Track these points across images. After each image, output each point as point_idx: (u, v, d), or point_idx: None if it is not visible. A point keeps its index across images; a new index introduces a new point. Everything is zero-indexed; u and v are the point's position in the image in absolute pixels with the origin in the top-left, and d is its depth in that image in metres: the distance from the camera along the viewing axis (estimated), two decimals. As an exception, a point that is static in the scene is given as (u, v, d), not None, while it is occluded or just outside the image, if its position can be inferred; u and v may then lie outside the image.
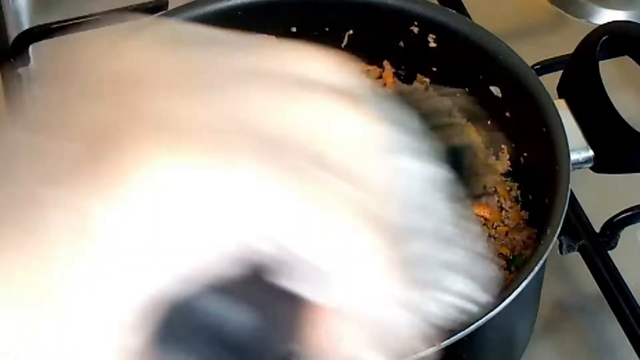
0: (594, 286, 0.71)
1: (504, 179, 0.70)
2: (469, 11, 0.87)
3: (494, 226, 0.68)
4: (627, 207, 0.72)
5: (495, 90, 0.70)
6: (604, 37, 0.69)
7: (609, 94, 0.67)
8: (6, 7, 0.94)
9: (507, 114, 0.69)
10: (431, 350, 0.49)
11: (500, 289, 0.60)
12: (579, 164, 0.66)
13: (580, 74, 0.69)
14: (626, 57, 0.71)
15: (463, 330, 0.53)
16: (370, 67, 0.75)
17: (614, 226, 0.72)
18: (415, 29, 0.72)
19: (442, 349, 0.51)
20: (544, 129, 0.64)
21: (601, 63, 0.68)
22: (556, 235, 0.59)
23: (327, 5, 0.73)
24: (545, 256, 0.58)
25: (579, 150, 0.66)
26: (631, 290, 0.69)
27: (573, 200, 0.73)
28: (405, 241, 0.31)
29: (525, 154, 0.69)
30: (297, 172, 0.29)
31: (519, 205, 0.69)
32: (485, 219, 0.69)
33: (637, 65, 0.70)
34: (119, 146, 0.28)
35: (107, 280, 0.27)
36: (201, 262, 0.28)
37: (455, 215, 0.33)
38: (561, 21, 0.92)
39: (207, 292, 0.29)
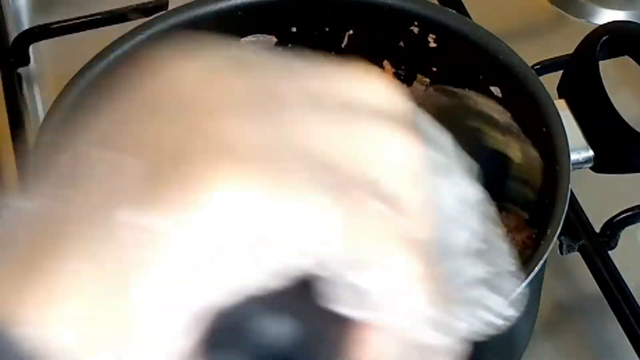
0: (594, 286, 0.71)
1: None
2: (469, 11, 0.87)
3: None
4: (627, 207, 0.72)
5: (495, 90, 0.70)
6: (604, 37, 0.69)
7: (609, 94, 0.67)
8: (6, 7, 0.94)
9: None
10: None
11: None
12: (579, 164, 0.66)
13: (580, 74, 0.69)
14: (626, 57, 0.71)
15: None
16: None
17: (614, 226, 0.72)
18: (415, 29, 0.72)
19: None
20: (544, 129, 0.64)
21: (601, 63, 0.68)
22: (556, 235, 0.58)
23: (327, 5, 0.73)
24: (545, 256, 0.58)
25: (579, 150, 0.66)
26: (631, 290, 0.69)
27: (573, 200, 0.73)
28: (439, 259, 0.33)
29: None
30: (344, 195, 0.31)
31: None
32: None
33: (637, 65, 0.70)
34: (186, 168, 0.30)
35: (167, 291, 0.29)
36: (252, 277, 0.30)
37: (486, 232, 0.34)
38: (561, 21, 0.92)
39: (253, 302, 0.31)
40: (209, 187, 0.29)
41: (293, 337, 0.33)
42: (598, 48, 0.68)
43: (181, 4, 0.72)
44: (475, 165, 0.35)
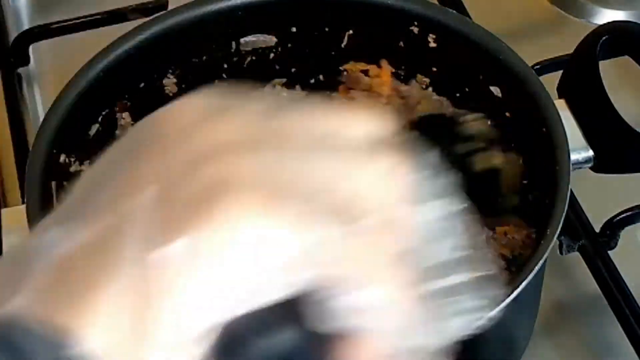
0: (594, 286, 0.71)
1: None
2: (469, 11, 0.87)
3: (493, 227, 0.68)
4: (627, 207, 0.72)
5: (495, 90, 0.70)
6: (604, 37, 0.69)
7: (609, 94, 0.67)
8: (6, 7, 0.94)
9: (507, 114, 0.69)
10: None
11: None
12: (579, 164, 0.66)
13: (580, 74, 0.69)
14: (626, 57, 0.71)
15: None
16: (369, 67, 0.75)
17: (614, 226, 0.72)
18: (415, 29, 0.72)
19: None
20: (544, 129, 0.64)
21: (601, 63, 0.68)
22: (556, 235, 0.58)
23: (327, 5, 0.73)
24: (545, 256, 0.58)
25: (579, 150, 0.66)
26: (631, 290, 0.69)
27: (573, 200, 0.73)
28: (424, 269, 0.36)
29: (525, 154, 0.69)
30: (340, 223, 0.35)
31: (511, 213, 0.69)
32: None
33: (637, 65, 0.70)
34: (207, 199, 0.34)
35: (187, 310, 0.33)
36: (262, 296, 0.34)
37: (469, 241, 0.38)
38: (561, 21, 0.92)
39: (259, 314, 0.35)
40: (227, 220, 0.33)
41: (294, 346, 0.37)
42: (598, 48, 0.68)
43: (181, 4, 0.72)
44: (458, 177, 0.38)
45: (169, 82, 0.73)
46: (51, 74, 0.89)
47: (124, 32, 0.70)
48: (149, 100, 0.71)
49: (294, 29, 0.74)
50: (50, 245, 0.35)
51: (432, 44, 0.72)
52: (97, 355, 0.32)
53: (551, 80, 0.70)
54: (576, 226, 0.72)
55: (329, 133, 0.37)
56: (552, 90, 0.68)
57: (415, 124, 0.71)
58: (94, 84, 0.68)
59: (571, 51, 0.71)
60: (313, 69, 0.76)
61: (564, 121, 0.64)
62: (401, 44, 0.73)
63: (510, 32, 0.83)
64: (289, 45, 0.75)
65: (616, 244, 0.72)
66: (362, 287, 0.35)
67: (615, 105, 0.66)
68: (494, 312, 0.39)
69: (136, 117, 0.71)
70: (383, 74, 0.74)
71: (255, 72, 0.75)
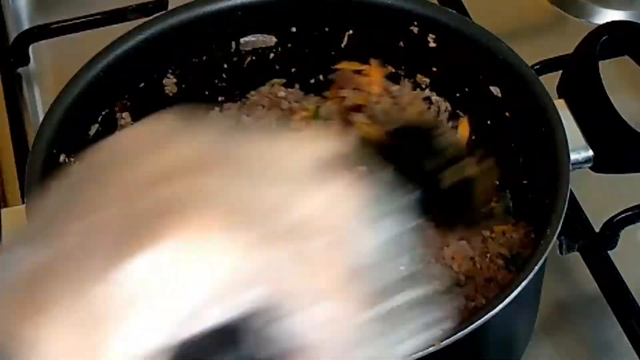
0: (594, 286, 0.71)
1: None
2: (469, 11, 0.87)
3: (492, 226, 0.68)
4: (627, 207, 0.72)
5: (495, 90, 0.70)
6: (604, 37, 0.69)
7: (609, 94, 0.67)
8: (6, 7, 0.94)
9: (507, 114, 0.69)
10: (431, 349, 0.50)
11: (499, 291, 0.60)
12: (579, 164, 0.66)
13: (580, 74, 0.69)
14: (626, 57, 0.71)
15: (463, 330, 0.53)
16: (363, 67, 0.75)
17: (614, 226, 0.72)
18: (415, 29, 0.72)
19: (442, 349, 0.51)
20: (544, 129, 0.64)
21: (601, 63, 0.68)
22: (556, 235, 0.58)
23: (327, 5, 0.73)
24: (545, 256, 0.58)
25: (579, 150, 0.66)
26: (631, 290, 0.69)
27: (573, 200, 0.73)
28: (376, 287, 0.37)
29: (524, 154, 0.69)
30: (291, 243, 0.35)
31: (497, 220, 0.69)
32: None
33: (637, 65, 0.70)
34: (165, 222, 0.34)
35: (136, 330, 0.34)
36: (212, 316, 0.35)
37: (423, 258, 0.40)
38: (561, 21, 0.92)
39: (212, 336, 0.35)
40: (181, 237, 0.34)
41: None
42: (598, 48, 0.68)
43: (181, 4, 0.72)
44: (414, 191, 0.39)
45: (169, 82, 0.73)
46: (51, 74, 0.89)
47: (124, 32, 0.70)
48: (148, 100, 0.71)
49: (293, 29, 0.74)
50: (15, 263, 0.35)
51: (432, 44, 0.72)
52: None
53: (551, 80, 0.70)
54: (576, 226, 0.72)
55: (281, 156, 0.38)
56: (552, 90, 0.68)
57: (391, 135, 0.71)
58: (94, 84, 0.68)
59: (571, 51, 0.71)
60: (313, 69, 0.76)
61: (563, 121, 0.64)
62: (401, 44, 0.73)
63: (510, 32, 0.83)
64: (289, 45, 0.75)
65: (616, 244, 0.72)
66: (311, 304, 0.36)
67: (615, 105, 0.66)
68: (449, 324, 0.40)
69: (136, 117, 0.71)
70: (373, 73, 0.74)
71: (255, 72, 0.75)
